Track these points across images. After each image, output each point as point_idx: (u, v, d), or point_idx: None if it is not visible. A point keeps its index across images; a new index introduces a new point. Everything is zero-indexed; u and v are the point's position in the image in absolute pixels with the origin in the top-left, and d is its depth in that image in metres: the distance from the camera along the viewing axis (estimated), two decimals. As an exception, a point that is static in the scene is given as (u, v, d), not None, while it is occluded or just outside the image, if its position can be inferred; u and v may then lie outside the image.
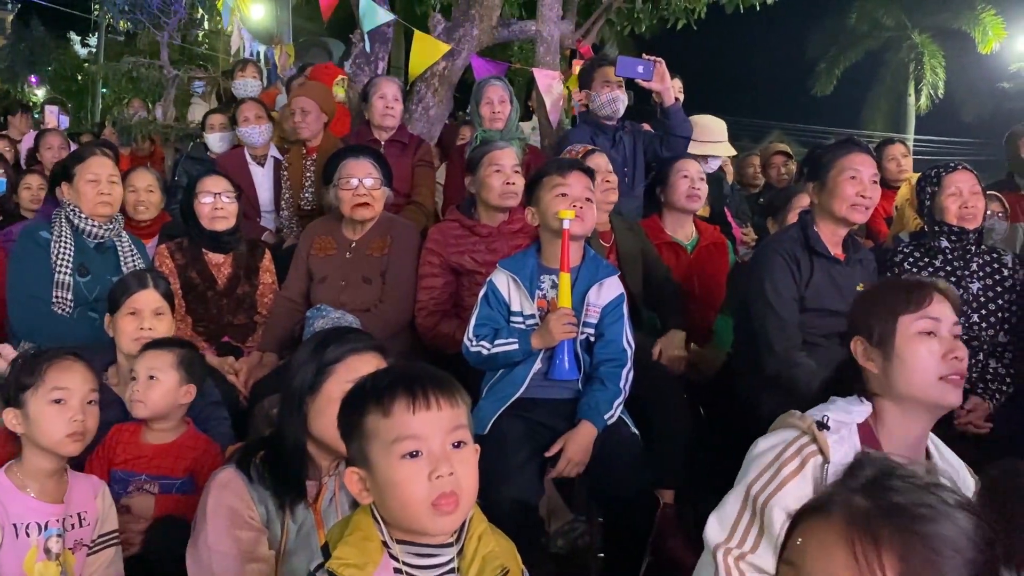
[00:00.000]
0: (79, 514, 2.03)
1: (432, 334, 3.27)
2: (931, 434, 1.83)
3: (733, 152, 5.16)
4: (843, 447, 1.69)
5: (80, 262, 3.18)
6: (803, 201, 3.74)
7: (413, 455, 1.31)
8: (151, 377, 2.40)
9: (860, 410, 1.78)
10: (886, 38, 23.30)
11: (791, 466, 1.66)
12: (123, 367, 2.67)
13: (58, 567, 1.96)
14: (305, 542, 1.84)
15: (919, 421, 1.75)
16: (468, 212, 3.45)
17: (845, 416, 1.75)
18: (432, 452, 1.31)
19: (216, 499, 1.83)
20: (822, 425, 1.69)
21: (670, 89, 4.03)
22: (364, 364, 1.84)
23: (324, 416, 1.82)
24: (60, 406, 2.02)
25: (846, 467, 0.98)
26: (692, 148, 4.16)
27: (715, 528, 1.71)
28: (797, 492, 1.64)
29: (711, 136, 4.58)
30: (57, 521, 1.98)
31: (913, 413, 1.74)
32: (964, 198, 3.10)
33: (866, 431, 1.76)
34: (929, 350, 1.73)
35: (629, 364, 2.67)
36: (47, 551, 1.95)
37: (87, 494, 2.08)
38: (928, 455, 1.80)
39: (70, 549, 2.00)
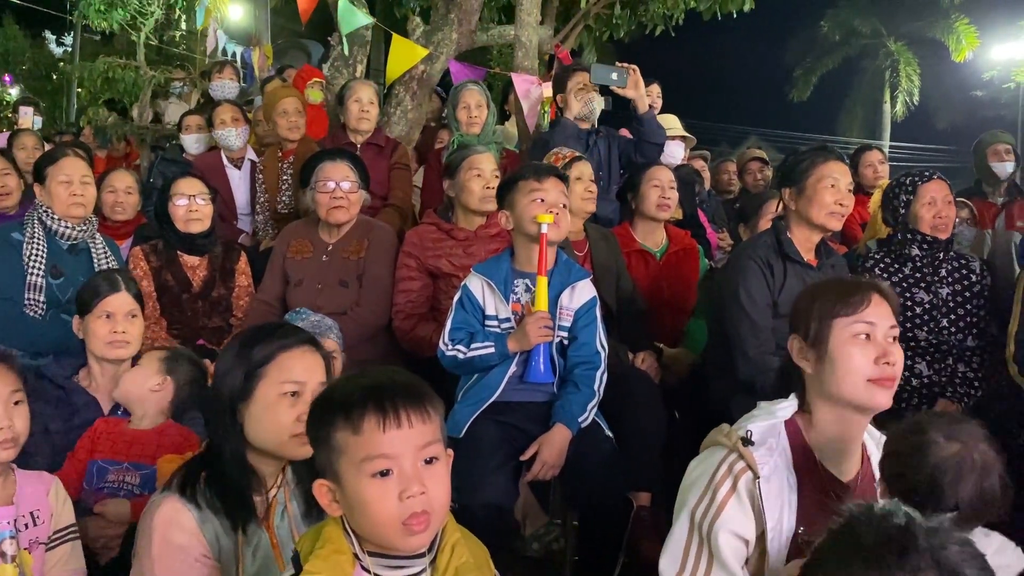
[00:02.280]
0: (31, 513, 1.98)
1: (409, 337, 3.27)
2: (871, 430, 1.85)
3: (685, 133, 5.17)
4: (772, 458, 1.70)
5: (53, 264, 3.16)
6: (775, 207, 3.78)
7: (383, 474, 1.28)
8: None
9: (784, 407, 1.79)
10: (862, 45, 23.58)
11: (725, 487, 1.68)
12: (95, 369, 2.66)
13: (15, 568, 1.92)
14: (264, 567, 1.72)
15: (850, 422, 1.76)
16: (446, 216, 3.46)
17: (770, 419, 1.76)
18: (403, 471, 1.28)
19: (162, 538, 1.66)
20: (747, 441, 1.70)
21: (644, 97, 4.06)
22: (297, 361, 1.74)
23: (262, 423, 1.71)
24: None
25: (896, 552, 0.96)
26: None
27: (667, 563, 1.72)
28: (736, 512, 1.66)
29: (667, 122, 4.63)
30: (8, 523, 1.92)
31: (844, 413, 1.75)
32: (938, 208, 3.15)
33: (793, 429, 1.77)
34: (862, 353, 1.72)
35: (603, 367, 2.69)
36: (2, 554, 1.91)
37: (38, 492, 2.02)
38: (864, 455, 1.82)
39: (26, 549, 1.95)
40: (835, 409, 1.75)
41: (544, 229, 2.61)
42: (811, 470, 1.74)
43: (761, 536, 1.68)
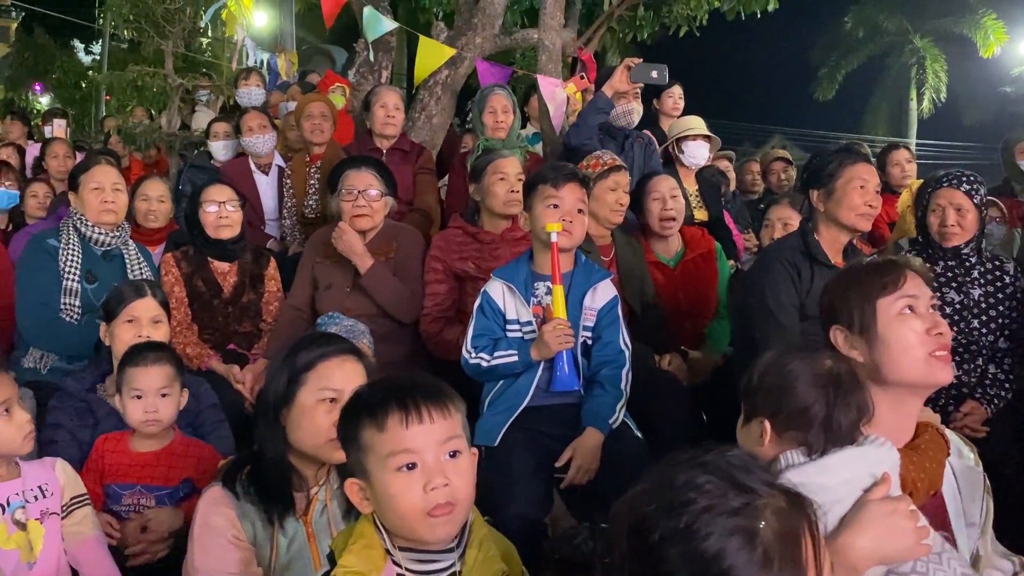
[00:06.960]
0: (40, 486, 2.09)
1: (436, 340, 3.29)
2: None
3: (709, 133, 5.14)
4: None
5: (87, 269, 3.22)
6: (781, 212, 3.79)
7: (409, 467, 1.33)
8: (164, 395, 2.40)
9: None
10: (888, 42, 23.34)
11: None
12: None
13: (26, 535, 2.03)
14: (298, 556, 1.82)
15: (905, 404, 1.71)
16: (471, 219, 3.48)
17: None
18: (426, 464, 1.33)
19: (201, 519, 1.82)
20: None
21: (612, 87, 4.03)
22: (335, 369, 1.83)
23: (300, 427, 1.82)
24: None
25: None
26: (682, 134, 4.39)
27: None
28: None
29: (691, 123, 4.62)
30: (18, 495, 2.04)
31: (900, 396, 1.70)
32: (943, 216, 3.09)
33: None
34: (912, 328, 1.68)
35: (627, 365, 2.68)
36: (16, 522, 2.02)
37: (43, 470, 2.13)
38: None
39: (36, 519, 2.06)
40: (892, 394, 1.69)
41: (554, 238, 2.59)
42: None
43: None
